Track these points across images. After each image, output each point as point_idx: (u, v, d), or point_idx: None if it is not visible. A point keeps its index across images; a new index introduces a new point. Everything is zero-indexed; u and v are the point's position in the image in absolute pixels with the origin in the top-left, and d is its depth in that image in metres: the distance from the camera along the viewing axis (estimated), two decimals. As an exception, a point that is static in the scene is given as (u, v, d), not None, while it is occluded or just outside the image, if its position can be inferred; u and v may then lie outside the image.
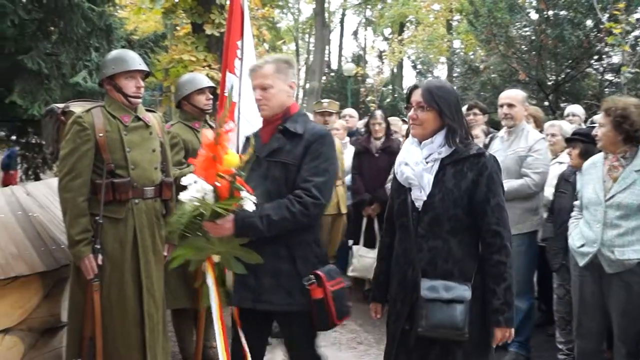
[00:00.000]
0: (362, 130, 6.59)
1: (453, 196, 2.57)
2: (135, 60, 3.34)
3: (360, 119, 8.20)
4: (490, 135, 4.87)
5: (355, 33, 34.48)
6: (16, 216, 3.43)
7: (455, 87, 2.84)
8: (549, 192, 4.47)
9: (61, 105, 3.52)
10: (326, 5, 28.04)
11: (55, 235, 3.50)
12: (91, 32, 6.12)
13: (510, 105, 4.45)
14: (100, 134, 3.15)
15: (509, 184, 4.26)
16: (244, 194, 2.53)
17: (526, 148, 4.35)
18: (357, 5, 32.03)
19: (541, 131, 5.12)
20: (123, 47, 6.46)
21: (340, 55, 33.87)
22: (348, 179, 6.07)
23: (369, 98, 21.76)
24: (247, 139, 2.91)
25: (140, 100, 3.37)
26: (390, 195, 2.91)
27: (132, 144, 3.25)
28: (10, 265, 3.16)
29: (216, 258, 2.67)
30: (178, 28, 11.26)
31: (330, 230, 5.57)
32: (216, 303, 2.68)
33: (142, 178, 3.27)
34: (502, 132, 4.61)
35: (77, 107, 3.34)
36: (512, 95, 4.55)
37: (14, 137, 9.13)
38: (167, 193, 3.43)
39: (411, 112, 2.67)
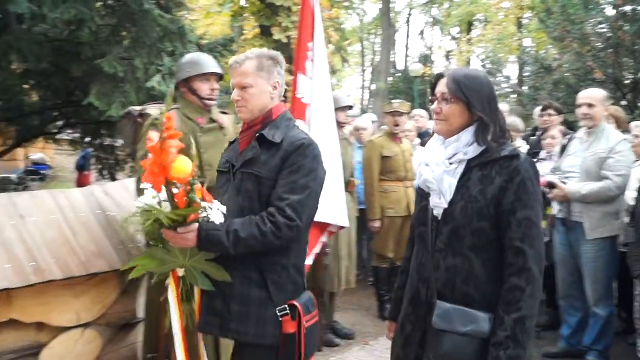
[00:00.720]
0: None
1: (477, 205, 2.14)
2: (210, 63, 3.40)
3: (430, 119, 8.12)
4: (569, 137, 4.71)
5: (421, 33, 34.07)
6: (95, 215, 3.54)
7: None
8: (631, 195, 4.29)
9: (138, 108, 3.63)
10: (392, 5, 27.83)
11: (131, 234, 3.59)
12: (164, 37, 6.26)
13: (590, 106, 4.29)
14: None
15: (588, 187, 4.13)
16: (207, 204, 2.25)
17: (607, 149, 4.19)
18: (423, 4, 31.67)
19: (624, 132, 4.91)
20: (194, 51, 6.60)
21: (406, 56, 33.52)
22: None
23: (436, 99, 21.49)
24: (231, 144, 2.65)
25: (214, 102, 3.43)
26: (415, 200, 2.51)
27: (207, 145, 3.30)
28: (91, 263, 3.27)
29: (181, 272, 2.39)
30: (245, 32, 11.43)
31: (399, 232, 5.52)
32: (178, 323, 2.39)
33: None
34: (581, 133, 4.46)
35: (154, 110, 3.44)
36: (592, 94, 4.38)
37: (88, 139, 9.48)
38: None
39: (434, 105, 2.25)
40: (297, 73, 3.81)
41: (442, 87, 2.23)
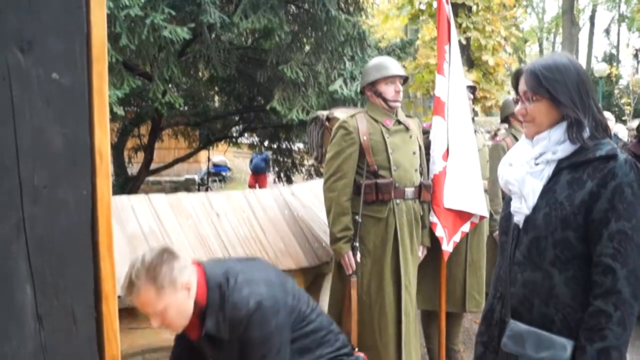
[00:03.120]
0: (632, 134, 6.01)
1: (563, 212, 1.82)
2: (394, 66, 3.42)
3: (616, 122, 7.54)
4: None
5: (607, 30, 31.90)
6: (283, 215, 3.69)
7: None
8: None
9: (325, 112, 3.72)
10: (575, 2, 26.31)
11: (317, 234, 3.70)
12: (345, 42, 6.39)
13: None
14: (364, 137, 3.26)
15: None
16: None
17: None
18: (609, 0, 29.61)
19: None
20: (374, 55, 6.66)
21: (589, 55, 31.55)
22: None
23: (623, 100, 19.98)
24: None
25: (399, 104, 3.43)
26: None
27: (395, 146, 3.32)
28: (279, 260, 3.41)
29: None
30: (419, 36, 11.39)
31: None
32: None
33: (403, 179, 3.33)
34: None
35: (341, 114, 3.51)
36: None
37: (266, 143, 9.94)
38: (425, 195, 3.46)
39: (518, 107, 1.96)
40: (437, 73, 3.78)
41: (522, 85, 1.94)
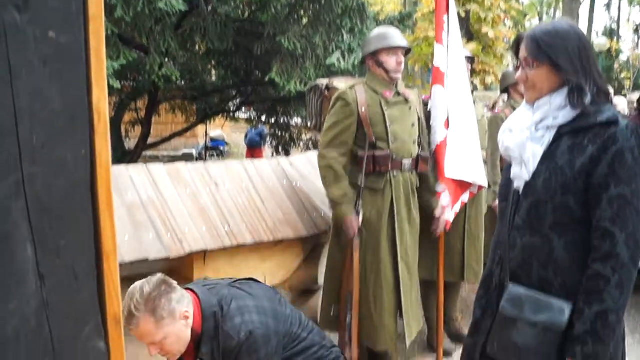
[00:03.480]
0: (632, 107, 6.00)
1: (563, 177, 1.83)
2: (397, 37, 3.40)
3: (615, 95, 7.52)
4: None
5: (608, 5, 31.67)
6: (282, 185, 3.70)
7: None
8: None
9: (325, 81, 3.70)
10: (574, -25, 26.06)
11: (315, 204, 3.72)
12: (343, 14, 6.34)
13: None
14: (363, 109, 3.25)
15: None
16: None
17: None
18: (610, -27, 29.38)
19: None
20: (373, 27, 6.62)
21: (590, 30, 31.30)
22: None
23: (623, 75, 19.93)
24: None
25: (399, 75, 3.42)
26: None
27: (393, 118, 3.31)
28: (278, 229, 3.43)
29: None
30: (417, 9, 11.31)
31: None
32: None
33: (401, 151, 3.34)
34: None
35: (340, 83, 3.51)
36: None
37: (264, 117, 9.92)
38: (422, 167, 3.46)
39: (519, 73, 1.96)
40: (436, 43, 3.74)
41: (523, 51, 1.94)
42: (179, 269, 3.27)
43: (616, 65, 21.50)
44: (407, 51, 3.47)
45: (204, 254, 3.19)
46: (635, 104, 5.65)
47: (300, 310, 3.62)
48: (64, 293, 1.20)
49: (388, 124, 3.28)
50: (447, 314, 4.28)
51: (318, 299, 3.85)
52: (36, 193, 1.16)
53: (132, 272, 3.12)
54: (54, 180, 1.18)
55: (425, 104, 3.72)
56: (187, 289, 2.37)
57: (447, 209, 3.49)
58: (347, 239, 3.30)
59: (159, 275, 2.24)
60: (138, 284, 2.21)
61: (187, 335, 2.24)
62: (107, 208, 1.22)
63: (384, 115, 3.29)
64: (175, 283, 2.26)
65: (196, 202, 3.28)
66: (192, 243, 3.08)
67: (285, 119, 10.12)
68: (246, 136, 13.59)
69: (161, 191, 3.21)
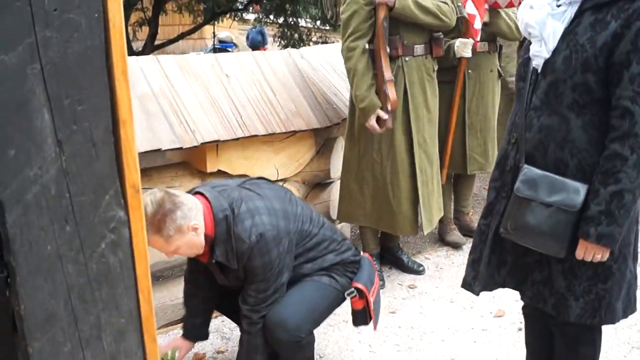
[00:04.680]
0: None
1: (584, 55, 1.78)
2: None
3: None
4: None
5: None
6: (293, 77, 3.65)
7: None
8: None
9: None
10: None
11: (327, 96, 3.69)
12: None
13: None
14: None
15: None
16: None
17: None
18: None
19: None
20: None
21: None
22: None
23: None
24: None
25: None
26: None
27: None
28: (290, 121, 3.41)
29: None
30: None
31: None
32: None
33: (412, 35, 3.26)
34: None
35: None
36: None
37: (271, 17, 9.68)
38: (437, 51, 3.39)
39: None
40: None
41: None
42: (192, 160, 3.29)
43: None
44: None
45: (216, 145, 3.19)
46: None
47: (312, 204, 3.69)
48: (83, 160, 1.21)
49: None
50: (458, 207, 4.33)
51: (330, 192, 3.90)
52: (50, 58, 1.15)
53: (147, 165, 3.15)
54: (69, 45, 1.16)
55: None
56: (197, 192, 2.41)
57: (476, 18, 3.43)
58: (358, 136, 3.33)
59: (161, 194, 2.25)
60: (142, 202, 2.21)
61: (199, 242, 2.31)
62: (122, 73, 1.20)
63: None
64: (179, 196, 2.28)
65: (207, 93, 3.25)
66: (204, 134, 3.08)
67: (294, 19, 9.89)
68: (247, 37, 13.25)
69: (172, 83, 3.18)
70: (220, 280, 2.56)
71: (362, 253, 2.77)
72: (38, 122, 1.17)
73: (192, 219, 2.26)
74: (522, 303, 2.31)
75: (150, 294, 1.30)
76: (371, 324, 2.66)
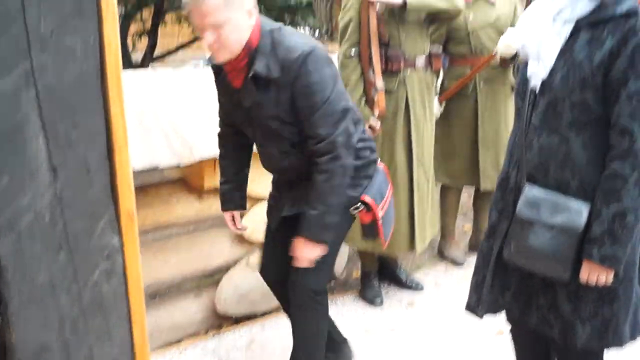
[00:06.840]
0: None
1: (582, 73, 1.75)
2: None
3: None
4: None
5: None
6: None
7: None
8: None
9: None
10: None
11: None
12: None
13: None
14: (377, 6, 3.12)
15: None
16: None
17: None
18: None
19: None
20: None
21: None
22: None
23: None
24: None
25: None
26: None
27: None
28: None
29: None
30: None
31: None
32: None
33: (413, 46, 3.24)
34: None
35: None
36: None
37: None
38: (437, 64, 3.39)
39: None
40: None
41: None
42: (189, 176, 3.27)
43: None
44: None
45: (214, 161, 3.17)
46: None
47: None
48: (77, 187, 1.19)
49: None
50: (479, 227, 4.21)
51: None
52: (46, 83, 1.13)
53: (144, 182, 3.13)
54: (64, 70, 1.15)
55: None
56: None
57: None
58: None
59: None
60: None
61: (245, 33, 2.09)
62: (117, 98, 1.19)
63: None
64: None
65: (205, 108, 3.23)
66: (202, 150, 3.06)
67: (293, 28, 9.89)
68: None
69: (170, 98, 3.16)
70: (249, 125, 2.34)
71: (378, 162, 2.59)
72: (33, 148, 1.15)
73: (252, 4, 2.11)
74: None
75: (143, 322, 1.28)
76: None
